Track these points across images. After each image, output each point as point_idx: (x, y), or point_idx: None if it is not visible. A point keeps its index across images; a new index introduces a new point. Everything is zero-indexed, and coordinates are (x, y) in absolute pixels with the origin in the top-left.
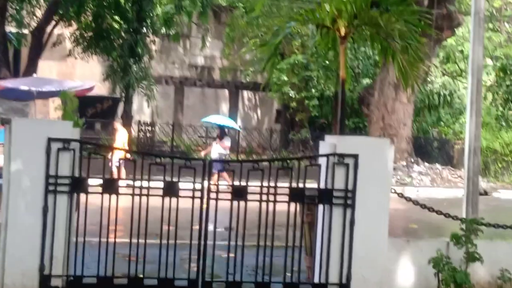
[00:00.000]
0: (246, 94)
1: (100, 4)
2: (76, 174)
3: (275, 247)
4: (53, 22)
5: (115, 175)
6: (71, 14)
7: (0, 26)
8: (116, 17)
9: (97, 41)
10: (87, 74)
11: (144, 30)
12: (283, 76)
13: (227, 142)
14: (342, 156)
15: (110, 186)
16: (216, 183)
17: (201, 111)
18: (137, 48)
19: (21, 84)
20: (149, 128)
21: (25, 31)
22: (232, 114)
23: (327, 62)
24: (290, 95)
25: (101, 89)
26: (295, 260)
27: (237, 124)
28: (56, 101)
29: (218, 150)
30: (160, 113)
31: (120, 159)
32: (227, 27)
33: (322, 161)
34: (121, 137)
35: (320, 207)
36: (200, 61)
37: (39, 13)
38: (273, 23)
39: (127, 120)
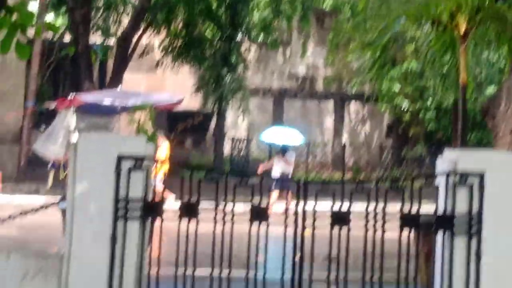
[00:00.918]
0: (353, 106)
1: (191, 10)
2: (150, 197)
3: (384, 282)
4: (140, 31)
5: (159, 195)
6: (160, 21)
7: (83, 36)
8: (209, 24)
9: (188, 50)
10: (178, 87)
11: (239, 37)
12: (395, 86)
13: (290, 158)
14: (464, 174)
15: (189, 210)
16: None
17: (303, 126)
18: (231, 57)
19: (104, 98)
20: (244, 145)
21: (111, 42)
22: (338, 128)
23: (444, 69)
24: (403, 107)
25: (192, 102)
26: None
27: (301, 139)
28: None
29: (280, 167)
30: (257, 128)
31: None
32: (331, 32)
33: (440, 180)
34: (162, 151)
35: (439, 235)
36: (302, 70)
37: (126, 22)
38: (381, 22)
39: (219, 136)
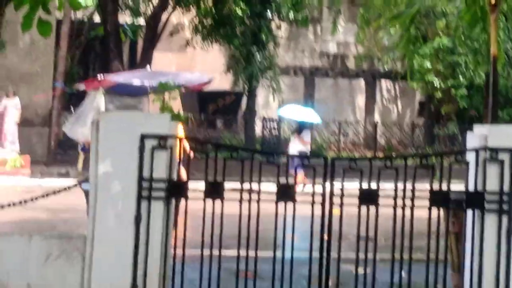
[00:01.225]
0: (384, 84)
1: None
2: (174, 177)
3: (414, 261)
4: (170, 10)
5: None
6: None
7: (112, 15)
8: (238, 1)
9: (218, 28)
10: (208, 66)
11: (269, 14)
12: (426, 63)
13: (306, 137)
14: (495, 150)
15: (214, 190)
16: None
17: (334, 105)
18: (261, 35)
19: (134, 78)
20: (275, 125)
21: (141, 21)
22: (369, 107)
23: (476, 44)
24: (435, 84)
25: (223, 82)
26: (439, 277)
27: (318, 117)
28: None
29: (297, 146)
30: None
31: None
32: (361, 8)
33: (470, 157)
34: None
35: (469, 213)
36: (333, 48)
37: (155, 1)
38: None
39: (250, 116)
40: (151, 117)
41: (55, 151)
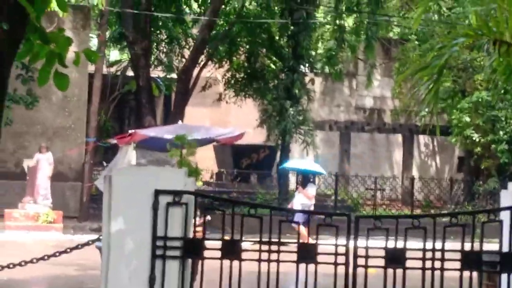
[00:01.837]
0: (422, 139)
1: (253, 41)
2: (190, 235)
3: None
4: (201, 64)
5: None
6: (221, 53)
7: (144, 70)
8: (271, 55)
9: (250, 82)
10: (242, 120)
11: (302, 68)
12: (465, 117)
13: (311, 190)
14: None
15: (231, 250)
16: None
17: (370, 160)
18: (294, 89)
19: (165, 132)
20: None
21: (175, 75)
22: (407, 162)
23: None
24: (474, 139)
25: (258, 136)
26: None
27: (322, 169)
28: (203, 150)
29: (300, 200)
30: (324, 163)
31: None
32: (397, 62)
33: (504, 216)
34: None
35: (504, 277)
36: (369, 102)
37: (188, 55)
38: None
39: (283, 170)
40: (166, 172)
41: (88, 206)
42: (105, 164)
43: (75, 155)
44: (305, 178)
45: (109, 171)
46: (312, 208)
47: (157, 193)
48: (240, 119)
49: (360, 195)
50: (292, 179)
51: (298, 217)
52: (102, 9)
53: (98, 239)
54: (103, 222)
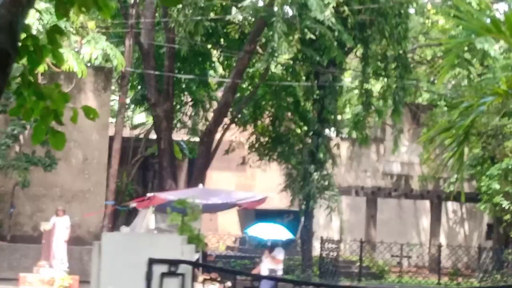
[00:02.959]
0: (450, 205)
1: (277, 104)
2: None
3: None
4: (225, 127)
5: None
6: (245, 116)
7: (166, 132)
8: (296, 119)
9: (275, 146)
10: (267, 185)
11: (327, 132)
12: (495, 184)
13: (279, 255)
14: None
15: None
16: None
17: (397, 226)
18: (319, 153)
19: (185, 196)
20: (334, 245)
21: (198, 138)
22: (434, 229)
23: None
24: (503, 206)
25: (283, 201)
26: None
27: (289, 235)
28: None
29: (268, 265)
30: (350, 228)
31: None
32: (425, 128)
33: None
34: None
35: None
36: (396, 168)
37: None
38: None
39: (307, 236)
40: (161, 239)
41: None
42: (124, 228)
43: (94, 219)
44: (273, 242)
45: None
46: (280, 273)
47: (151, 262)
48: (265, 184)
49: (386, 262)
50: (317, 245)
51: (265, 284)
52: (122, 70)
53: None
54: None
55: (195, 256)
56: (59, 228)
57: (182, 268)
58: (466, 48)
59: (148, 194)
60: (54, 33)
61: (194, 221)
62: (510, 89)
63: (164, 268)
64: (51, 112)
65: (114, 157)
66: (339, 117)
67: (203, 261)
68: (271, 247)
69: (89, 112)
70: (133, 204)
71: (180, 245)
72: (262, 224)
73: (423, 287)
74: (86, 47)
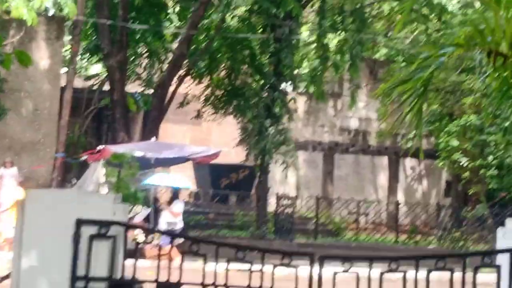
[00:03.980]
0: (408, 162)
1: (233, 57)
2: (119, 275)
3: None
4: (179, 79)
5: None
6: (200, 69)
7: (119, 83)
8: (252, 72)
9: (230, 99)
10: (224, 139)
11: (284, 86)
12: (453, 141)
13: (177, 208)
14: None
15: None
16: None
17: (355, 182)
18: (275, 108)
19: (136, 149)
20: (289, 202)
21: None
22: (392, 186)
23: (507, 123)
24: (462, 163)
25: (239, 156)
26: None
27: (189, 183)
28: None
29: (166, 218)
30: (306, 184)
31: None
32: (383, 83)
33: (502, 260)
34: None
35: None
36: (354, 124)
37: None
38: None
39: (263, 192)
40: (91, 198)
41: None
42: (74, 181)
43: (43, 171)
44: (174, 194)
45: (77, 188)
46: (179, 227)
47: (79, 223)
48: (221, 138)
49: (343, 219)
50: (273, 201)
51: (165, 238)
52: (74, 19)
53: (7, 277)
54: (13, 257)
55: (142, 214)
56: (6, 180)
57: (114, 230)
58: (423, 3)
59: (99, 147)
60: None
61: (131, 177)
62: (472, 38)
63: (93, 229)
64: None
65: (65, 108)
66: (296, 71)
67: (155, 217)
68: (170, 200)
69: (22, 58)
70: (84, 157)
71: (112, 205)
72: (162, 174)
73: (381, 245)
74: None
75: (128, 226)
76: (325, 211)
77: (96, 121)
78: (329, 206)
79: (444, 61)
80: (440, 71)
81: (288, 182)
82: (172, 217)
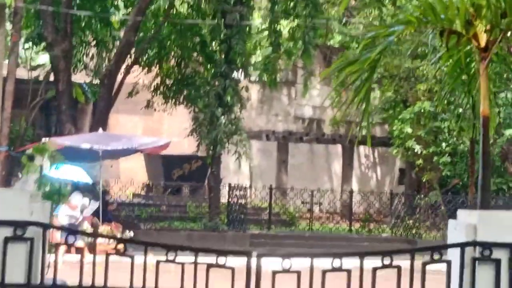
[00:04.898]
0: (362, 150)
1: (183, 45)
2: (37, 280)
3: None
4: (127, 68)
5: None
6: (149, 57)
7: (64, 73)
8: (203, 61)
9: (181, 89)
10: (176, 130)
11: (236, 74)
12: (407, 128)
13: (74, 200)
14: (487, 246)
15: None
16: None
17: (309, 171)
18: (226, 96)
19: (83, 141)
20: (242, 192)
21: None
22: (346, 174)
23: (460, 109)
24: (416, 150)
25: (191, 147)
26: None
27: (88, 178)
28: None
29: (65, 211)
30: (261, 174)
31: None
32: (337, 71)
33: (452, 254)
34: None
35: None
36: (308, 112)
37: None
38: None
39: (215, 182)
40: (5, 196)
41: None
42: (20, 175)
43: None
44: (73, 186)
45: (22, 183)
46: (80, 219)
47: None
48: (173, 128)
49: (297, 208)
50: (225, 191)
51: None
52: (13, 5)
53: None
54: None
55: (91, 208)
56: None
57: (31, 231)
58: None
59: (43, 139)
60: None
61: (56, 172)
62: (425, 15)
63: (8, 231)
64: None
65: (7, 99)
66: (249, 59)
67: (104, 210)
68: (70, 192)
69: None
70: (29, 150)
71: (29, 203)
72: (67, 166)
73: (334, 234)
74: None
75: (47, 226)
76: (279, 201)
77: (45, 112)
78: (282, 196)
79: (399, 48)
80: (393, 58)
81: (242, 172)
82: (70, 210)
